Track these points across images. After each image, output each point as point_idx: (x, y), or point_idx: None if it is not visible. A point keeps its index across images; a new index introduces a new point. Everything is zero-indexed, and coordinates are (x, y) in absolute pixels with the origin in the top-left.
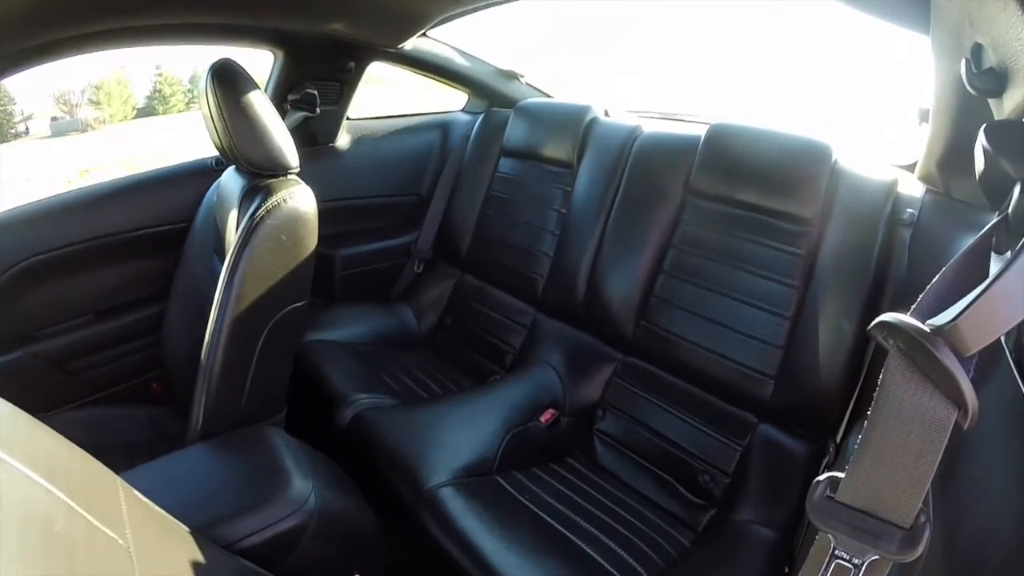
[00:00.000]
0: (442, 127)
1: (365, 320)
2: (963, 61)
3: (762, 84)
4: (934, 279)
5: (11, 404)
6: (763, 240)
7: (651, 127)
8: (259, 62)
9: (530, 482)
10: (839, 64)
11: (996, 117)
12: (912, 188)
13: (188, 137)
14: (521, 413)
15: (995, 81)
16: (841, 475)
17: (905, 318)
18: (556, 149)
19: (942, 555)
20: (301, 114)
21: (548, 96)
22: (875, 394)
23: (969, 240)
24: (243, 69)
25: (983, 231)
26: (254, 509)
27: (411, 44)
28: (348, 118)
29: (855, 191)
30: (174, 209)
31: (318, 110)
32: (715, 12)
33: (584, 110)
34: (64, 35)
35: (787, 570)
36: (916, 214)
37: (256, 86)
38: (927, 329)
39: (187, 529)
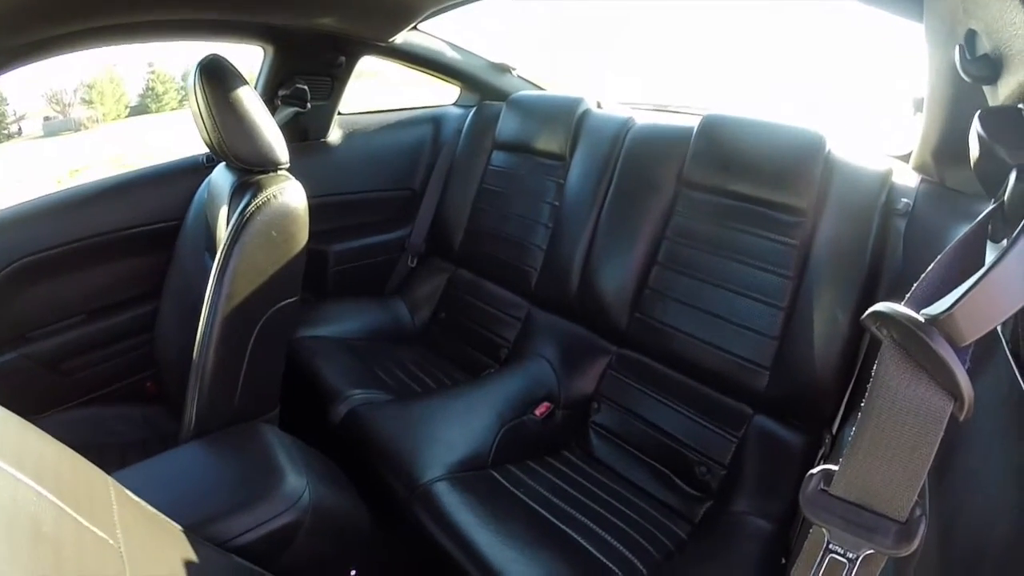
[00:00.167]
0: (434, 121)
1: (359, 315)
2: (957, 48)
3: (757, 76)
4: (929, 268)
5: (0, 407)
6: (757, 231)
7: (644, 119)
8: (249, 58)
9: (525, 476)
10: (833, 54)
11: (991, 104)
12: (907, 178)
13: (181, 134)
14: (516, 407)
15: (989, 68)
16: (835, 468)
17: (899, 307)
18: (549, 142)
19: (938, 548)
20: (292, 109)
21: (541, 88)
22: (869, 386)
23: (964, 229)
24: (231, 65)
25: (978, 219)
26: (248, 506)
27: (402, 38)
28: (339, 113)
29: (849, 181)
30: (165, 207)
31: (309, 105)
32: (711, 5)
33: (576, 102)
34: (55, 32)
35: (783, 561)
36: (911, 203)
37: (244, 82)
38: (922, 319)
39: (180, 528)
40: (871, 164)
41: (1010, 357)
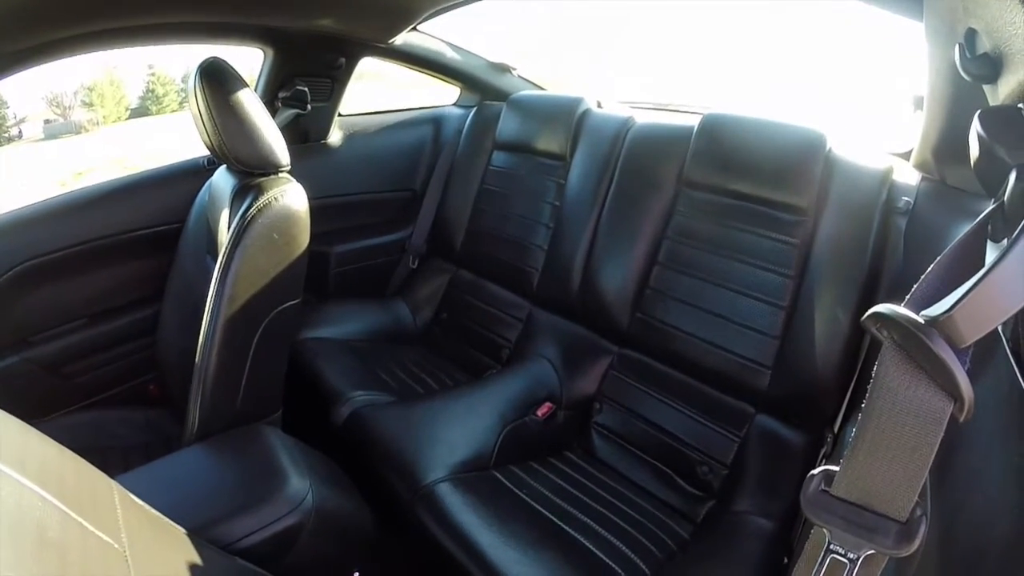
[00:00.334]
0: (434, 121)
1: (360, 317)
2: (957, 47)
3: (758, 74)
4: (929, 269)
5: (2, 411)
6: (758, 230)
7: (644, 118)
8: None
9: (527, 476)
10: (834, 53)
11: (991, 103)
12: (907, 176)
13: (183, 136)
14: (517, 407)
15: (989, 67)
16: (835, 469)
17: (899, 309)
18: (549, 142)
19: (939, 548)
20: (292, 111)
21: (541, 88)
22: (869, 387)
23: (965, 228)
24: (231, 67)
25: (978, 219)
26: (251, 509)
27: (402, 39)
28: (340, 114)
29: (850, 180)
30: (167, 209)
31: (309, 107)
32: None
33: (577, 102)
34: (55, 37)
35: (786, 560)
36: (912, 202)
37: (245, 84)
38: (921, 320)
39: (184, 531)
40: (872, 162)
41: (1010, 357)
